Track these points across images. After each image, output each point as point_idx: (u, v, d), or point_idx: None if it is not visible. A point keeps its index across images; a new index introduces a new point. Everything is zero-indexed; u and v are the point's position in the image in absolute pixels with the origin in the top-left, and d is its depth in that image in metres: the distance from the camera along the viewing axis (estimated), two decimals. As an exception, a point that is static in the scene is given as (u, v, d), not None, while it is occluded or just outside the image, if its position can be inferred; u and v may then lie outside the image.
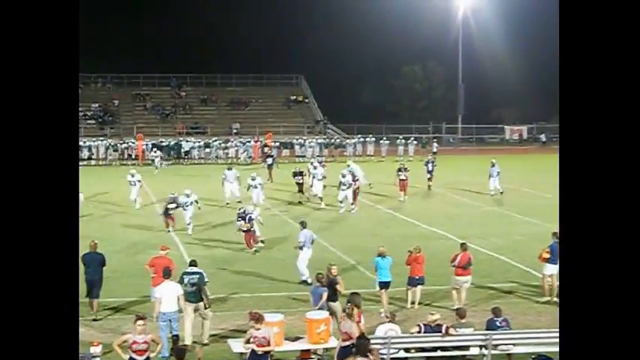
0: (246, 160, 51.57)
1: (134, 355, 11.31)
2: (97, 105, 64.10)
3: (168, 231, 24.81)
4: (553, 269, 16.71)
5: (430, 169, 35.93)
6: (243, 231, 21.99)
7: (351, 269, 19.59)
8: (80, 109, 62.41)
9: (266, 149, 47.74)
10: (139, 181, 30.87)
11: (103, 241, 18.49)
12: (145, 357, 11.35)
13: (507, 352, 13.02)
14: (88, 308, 15.86)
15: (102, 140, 54.95)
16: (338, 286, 14.58)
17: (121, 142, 54.55)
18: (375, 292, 16.40)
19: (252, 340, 11.69)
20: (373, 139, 57.02)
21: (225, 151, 53.59)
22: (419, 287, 16.62)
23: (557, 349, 10.08)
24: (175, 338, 13.62)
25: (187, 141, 55.17)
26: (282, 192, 34.09)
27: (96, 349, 12.26)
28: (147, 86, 67.47)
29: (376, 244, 18.02)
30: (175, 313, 13.77)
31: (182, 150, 53.67)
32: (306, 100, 68.16)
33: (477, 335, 13.13)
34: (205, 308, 14.33)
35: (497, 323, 13.21)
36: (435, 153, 49.70)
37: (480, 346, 12.95)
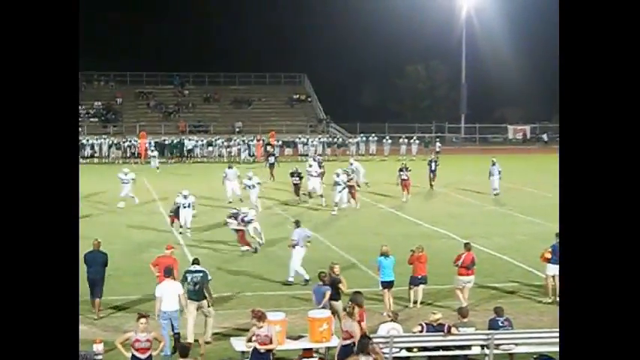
0: (248, 159, 51.58)
1: (136, 353, 11.32)
2: (99, 103, 64.20)
3: (180, 231, 24.73)
4: (555, 269, 16.69)
5: (433, 168, 35.89)
6: (235, 230, 21.90)
7: (353, 268, 19.58)
8: (83, 107, 62.58)
9: (269, 148, 47.76)
10: (133, 179, 30.61)
11: (105, 239, 18.49)
12: (147, 355, 11.36)
13: (509, 351, 13.01)
14: (90, 307, 15.89)
15: (105, 138, 55.00)
16: (340, 285, 14.58)
17: (124, 140, 54.59)
18: (378, 292, 16.40)
19: (254, 338, 11.69)
20: (376, 138, 57.02)
21: (228, 149, 53.62)
22: (421, 286, 16.61)
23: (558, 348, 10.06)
24: (177, 336, 13.64)
25: (190, 139, 55.23)
26: (284, 191, 34.06)
27: (98, 347, 12.28)
28: (150, 84, 67.54)
29: (378, 243, 18.02)
30: (176, 312, 13.79)
31: (185, 148, 53.72)
32: (309, 99, 68.17)
33: (479, 335, 13.12)
34: (209, 306, 14.35)
35: (500, 323, 13.20)
36: (437, 152, 49.69)
37: (482, 346, 12.94)
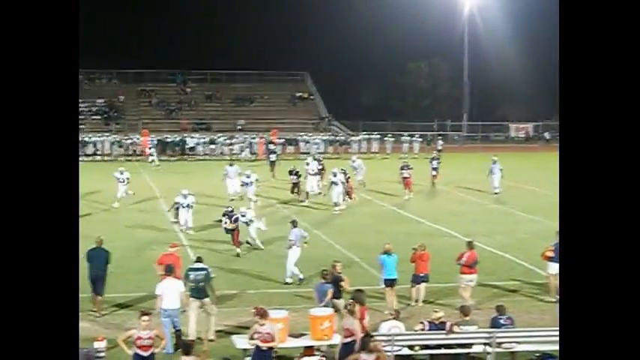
0: (249, 157, 51.54)
1: (139, 351, 11.35)
2: (102, 101, 64.21)
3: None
4: (556, 268, 16.68)
5: (435, 166, 35.88)
6: (227, 229, 21.70)
7: (354, 266, 19.59)
8: (85, 104, 62.61)
9: (270, 146, 47.79)
10: (128, 178, 30.36)
11: (107, 236, 18.51)
12: (149, 352, 11.38)
13: (511, 350, 13.02)
14: (92, 304, 15.92)
15: (107, 136, 55.01)
16: (343, 283, 14.59)
17: (126, 137, 54.59)
18: (380, 289, 16.40)
19: (256, 335, 11.71)
20: (378, 136, 57.00)
21: (230, 147, 53.63)
22: (423, 285, 16.61)
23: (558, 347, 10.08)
24: (178, 334, 13.66)
25: (192, 137, 55.25)
26: (284, 190, 34.01)
27: (100, 345, 12.31)
28: (152, 82, 67.53)
29: (380, 241, 18.03)
30: (177, 310, 13.80)
31: (186, 146, 53.73)
32: (311, 97, 68.15)
33: (481, 333, 13.13)
34: (212, 304, 14.36)
35: (502, 321, 13.21)
36: (439, 150, 49.65)
37: (484, 344, 12.95)
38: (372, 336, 11.63)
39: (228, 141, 54.31)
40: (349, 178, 30.61)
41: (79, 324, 15.03)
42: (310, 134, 58.03)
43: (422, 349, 12.97)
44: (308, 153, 50.72)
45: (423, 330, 12.96)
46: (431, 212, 28.99)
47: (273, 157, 41.17)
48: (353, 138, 57.56)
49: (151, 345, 11.41)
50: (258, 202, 28.25)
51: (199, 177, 39.31)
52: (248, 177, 29.78)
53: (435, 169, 35.72)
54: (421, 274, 16.53)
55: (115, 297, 16.71)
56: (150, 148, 48.67)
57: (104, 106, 63.82)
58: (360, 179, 35.16)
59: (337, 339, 12.48)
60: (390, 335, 12.76)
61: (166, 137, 54.78)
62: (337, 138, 58.36)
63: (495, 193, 33.17)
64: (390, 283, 16.12)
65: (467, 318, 13.36)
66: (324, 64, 69.74)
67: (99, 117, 62.39)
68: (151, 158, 46.75)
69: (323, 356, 12.86)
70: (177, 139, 54.80)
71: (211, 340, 13.98)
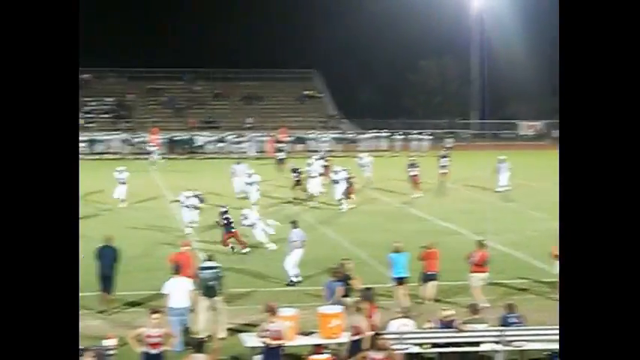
0: (256, 156, 51.43)
1: (148, 349, 11.38)
2: (111, 99, 64.39)
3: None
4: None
5: (444, 164, 35.78)
6: (220, 225, 21.59)
7: (363, 264, 19.57)
8: (94, 103, 62.81)
9: (279, 144, 47.80)
10: (125, 178, 30.00)
11: (116, 234, 18.54)
12: (159, 350, 11.41)
13: (521, 348, 12.98)
14: (101, 302, 15.97)
15: (117, 134, 55.13)
16: (353, 282, 14.58)
17: (135, 136, 54.67)
18: (389, 288, 16.37)
19: (265, 333, 11.73)
20: (387, 134, 56.92)
21: (239, 145, 53.65)
22: (432, 283, 16.58)
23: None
24: (187, 332, 13.68)
25: (201, 135, 55.30)
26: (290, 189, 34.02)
27: (110, 342, 12.34)
28: (161, 81, 67.64)
29: (388, 240, 18.01)
30: (185, 309, 13.80)
31: (195, 144, 53.76)
32: (320, 95, 68.13)
33: (491, 331, 13.10)
34: (222, 302, 14.38)
35: (511, 319, 13.18)
36: (449, 148, 49.55)
37: (494, 342, 12.92)
38: (380, 334, 11.63)
39: (236, 139, 54.33)
40: (352, 177, 30.21)
41: (89, 322, 15.20)
42: (319, 132, 58.02)
43: (431, 347, 12.95)
44: (317, 151, 50.76)
45: (432, 328, 12.94)
46: (440, 210, 28.94)
47: (281, 155, 41.13)
48: (362, 136, 57.49)
49: (160, 343, 11.44)
50: (257, 204, 27.72)
51: (208, 176, 39.34)
52: (250, 176, 29.38)
53: (444, 167, 35.55)
54: (430, 273, 16.50)
55: (125, 295, 16.74)
56: (152, 146, 48.47)
57: (113, 104, 63.99)
58: (367, 176, 35.12)
59: (346, 337, 12.48)
60: (399, 333, 12.75)
61: (174, 136, 54.85)
62: (346, 136, 58.30)
63: (503, 191, 33.00)
64: (400, 281, 16.08)
65: (476, 316, 13.34)
66: (333, 62, 69.66)
67: (108, 115, 62.56)
68: (152, 157, 46.44)
69: (332, 354, 12.87)
70: (186, 137, 54.87)
71: (222, 339, 14.00)
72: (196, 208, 24.42)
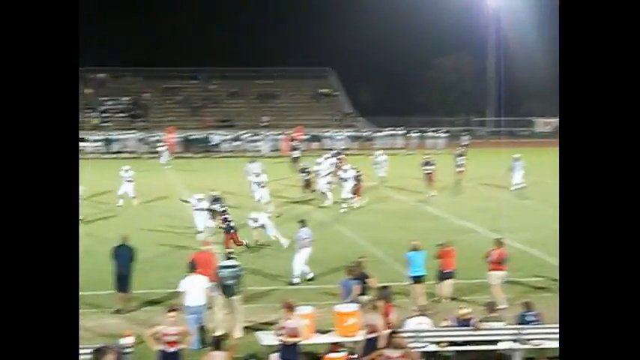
0: (270, 153, 51.44)
1: (165, 347, 11.42)
2: (127, 98, 64.70)
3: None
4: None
5: (461, 162, 35.61)
6: (224, 229, 21.20)
7: (379, 262, 19.54)
8: (111, 102, 63.21)
9: (293, 142, 47.80)
10: (132, 177, 29.88)
11: (133, 233, 18.64)
12: (176, 348, 11.44)
13: (539, 346, 12.91)
14: (118, 300, 16.03)
15: (133, 133, 55.38)
16: (370, 280, 14.55)
17: (151, 135, 54.86)
18: (406, 286, 16.33)
19: (281, 330, 11.74)
20: (403, 131, 56.82)
21: (254, 144, 53.72)
22: (449, 281, 16.52)
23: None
24: (203, 330, 13.71)
25: (216, 134, 55.42)
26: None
27: (128, 340, 12.39)
28: (177, 80, 67.88)
29: (404, 238, 17.99)
30: (202, 307, 13.83)
31: (211, 143, 53.89)
32: (335, 93, 68.12)
33: (508, 329, 13.04)
34: (240, 301, 14.40)
35: (529, 318, 13.11)
36: (465, 146, 49.34)
37: (511, 341, 12.86)
38: (397, 332, 11.60)
39: (252, 138, 54.39)
40: (360, 175, 29.82)
41: (107, 321, 15.28)
42: (334, 130, 57.98)
43: (448, 345, 12.91)
44: (332, 149, 50.73)
45: (449, 326, 12.90)
46: (456, 208, 28.84)
47: (296, 153, 41.07)
48: (377, 134, 57.39)
49: (178, 341, 11.47)
50: (265, 203, 27.57)
51: (223, 175, 39.38)
52: (257, 176, 28.90)
53: (460, 165, 35.35)
54: (447, 271, 16.45)
55: (142, 293, 16.80)
56: (162, 146, 48.51)
57: (129, 103, 64.30)
58: (382, 175, 35.04)
59: (362, 336, 12.46)
60: (416, 331, 12.73)
61: (190, 135, 55.02)
62: (361, 134, 58.23)
63: (517, 189, 32.77)
64: (417, 279, 16.03)
65: (494, 314, 13.28)
66: (349, 59, 69.60)
67: (124, 115, 62.87)
68: (163, 157, 46.38)
69: (348, 353, 12.86)
70: (202, 136, 55.02)
71: (239, 337, 14.02)
72: (210, 210, 23.49)
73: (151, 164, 44.47)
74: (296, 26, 73.54)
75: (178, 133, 54.19)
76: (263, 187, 28.27)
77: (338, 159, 33.74)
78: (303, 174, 31.54)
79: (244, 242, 21.40)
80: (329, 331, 13.10)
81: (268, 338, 12.59)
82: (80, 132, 54.47)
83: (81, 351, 11.57)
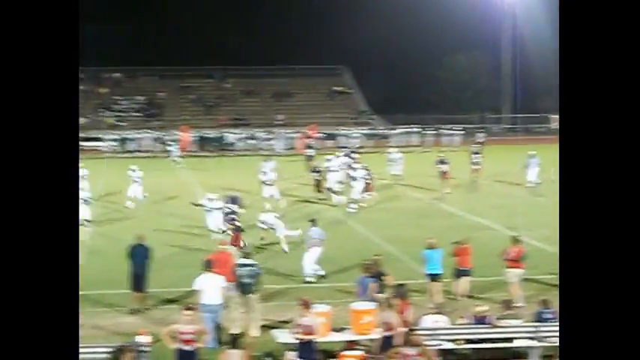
0: (285, 152, 51.38)
1: (182, 345, 11.43)
2: (142, 98, 64.96)
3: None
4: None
5: (476, 160, 35.42)
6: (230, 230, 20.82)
7: (395, 260, 19.49)
8: (126, 102, 63.53)
9: (308, 141, 47.79)
10: (140, 177, 29.45)
11: (148, 233, 18.69)
12: (192, 347, 11.46)
13: (556, 344, 12.83)
14: (134, 299, 16.08)
15: (148, 133, 55.56)
16: (386, 278, 14.51)
17: (166, 134, 54.99)
18: (422, 284, 16.27)
19: (297, 328, 11.74)
20: (418, 129, 56.66)
21: (269, 142, 53.73)
22: (465, 279, 16.45)
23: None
24: (219, 328, 13.72)
25: (231, 133, 55.47)
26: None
27: (144, 339, 12.42)
28: (191, 79, 68.05)
29: (420, 235, 17.93)
30: (218, 306, 13.83)
31: (225, 142, 53.94)
32: (350, 91, 68.06)
33: (525, 327, 12.97)
34: (257, 300, 14.40)
35: (546, 315, 13.03)
36: (481, 143, 49.13)
37: (528, 338, 12.79)
38: (414, 330, 11.57)
39: (266, 136, 54.40)
40: (370, 175, 29.42)
41: (123, 319, 15.34)
42: (349, 128, 57.90)
43: (465, 343, 12.86)
44: (347, 147, 50.66)
45: (465, 324, 12.85)
46: (471, 205, 28.72)
47: (310, 152, 41.01)
48: (392, 132, 57.25)
49: (194, 339, 11.48)
50: (274, 202, 27.60)
51: (238, 174, 39.38)
52: (265, 174, 28.61)
53: (476, 162, 35.12)
54: (463, 268, 16.38)
55: (159, 292, 16.84)
56: (170, 145, 48.58)
57: (144, 103, 64.55)
58: (397, 173, 34.92)
59: (378, 333, 12.43)
60: (432, 329, 12.68)
61: (205, 133, 55.13)
62: (376, 132, 58.10)
63: (533, 186, 32.57)
64: (434, 277, 15.97)
65: (510, 312, 13.22)
66: (363, 57, 69.49)
67: (139, 114, 63.11)
68: (173, 156, 46.34)
69: (364, 350, 12.83)
70: (216, 134, 55.10)
71: (255, 336, 14.02)
72: (213, 210, 22.93)
73: (166, 163, 44.62)
74: (310, 25, 73.51)
75: (193, 132, 54.31)
76: (272, 185, 28.13)
77: (350, 157, 33.64)
78: (315, 173, 31.42)
79: (243, 244, 21.15)
80: (345, 329, 13.07)
81: (284, 336, 12.59)
82: (96, 131, 55.00)
83: (99, 349, 11.67)
